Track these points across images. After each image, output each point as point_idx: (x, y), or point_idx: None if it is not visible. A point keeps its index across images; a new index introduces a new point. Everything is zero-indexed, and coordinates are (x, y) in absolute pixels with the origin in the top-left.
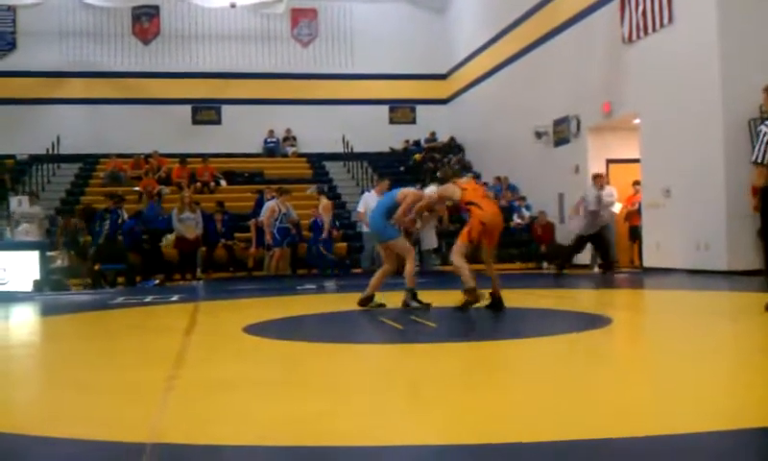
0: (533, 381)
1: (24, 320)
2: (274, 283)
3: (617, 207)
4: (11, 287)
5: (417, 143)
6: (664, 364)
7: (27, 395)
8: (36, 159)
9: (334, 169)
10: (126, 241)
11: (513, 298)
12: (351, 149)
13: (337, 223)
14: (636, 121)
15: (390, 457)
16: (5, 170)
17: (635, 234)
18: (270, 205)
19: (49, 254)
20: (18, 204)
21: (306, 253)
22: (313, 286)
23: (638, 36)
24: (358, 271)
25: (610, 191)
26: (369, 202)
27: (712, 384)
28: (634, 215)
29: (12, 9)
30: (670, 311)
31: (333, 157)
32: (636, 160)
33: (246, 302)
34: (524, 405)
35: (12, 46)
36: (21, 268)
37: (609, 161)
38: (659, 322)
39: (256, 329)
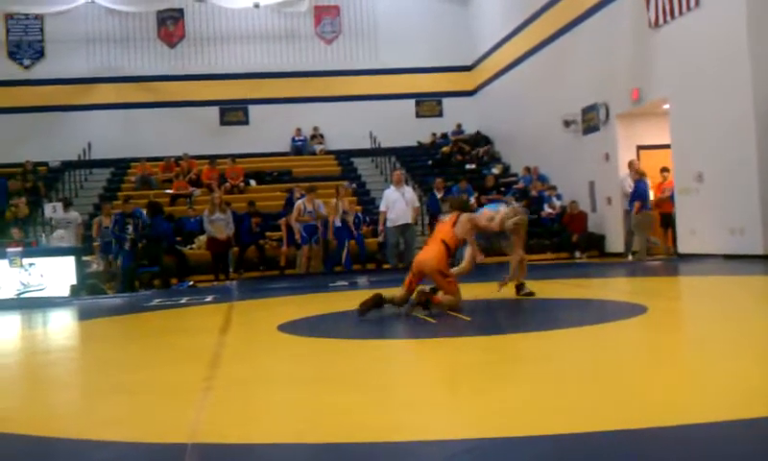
0: (569, 373)
1: (63, 325)
2: (306, 281)
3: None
4: (48, 293)
5: (444, 136)
6: (704, 352)
7: (67, 399)
8: (68, 166)
9: (362, 165)
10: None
11: (546, 288)
12: (379, 144)
13: (367, 218)
14: (666, 106)
15: (428, 452)
16: (38, 177)
17: (666, 221)
18: (297, 203)
19: (85, 258)
20: (53, 210)
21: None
22: (345, 283)
23: (665, 21)
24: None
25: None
26: (389, 197)
27: (756, 371)
28: (664, 202)
29: (39, 17)
30: (707, 298)
31: (361, 153)
32: (667, 146)
33: (279, 300)
34: (561, 397)
35: (40, 54)
36: (58, 273)
37: (639, 148)
38: (695, 309)
39: (291, 328)
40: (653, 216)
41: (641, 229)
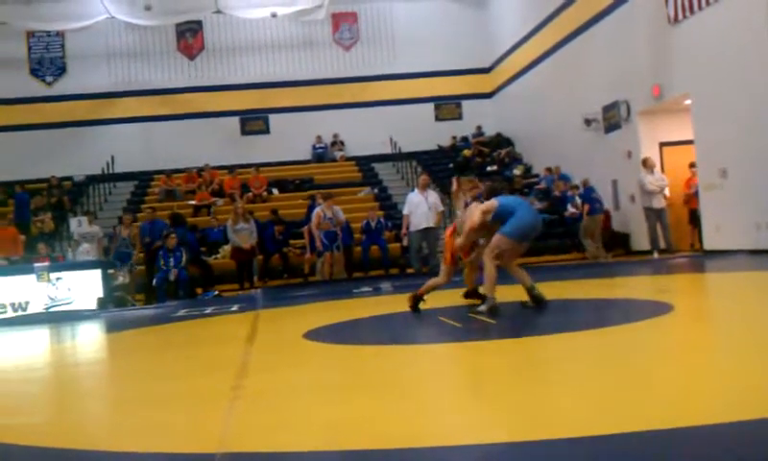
0: (594, 375)
1: (91, 337)
2: (330, 288)
3: (666, 192)
4: (76, 306)
5: (464, 139)
6: (731, 352)
7: (96, 411)
8: (92, 180)
9: (383, 170)
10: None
11: (571, 289)
12: (399, 149)
13: (389, 224)
14: (688, 102)
15: (454, 457)
16: (63, 192)
17: (695, 218)
18: (316, 210)
19: (110, 271)
20: (78, 224)
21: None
22: (369, 289)
23: (684, 16)
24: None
25: (660, 176)
26: (412, 201)
27: None
28: (692, 198)
29: (60, 34)
30: (733, 295)
31: (382, 158)
32: (690, 142)
33: (303, 308)
34: (587, 400)
35: (62, 71)
36: (85, 287)
37: (662, 145)
38: (722, 307)
39: (316, 335)
40: (598, 220)
41: (586, 233)
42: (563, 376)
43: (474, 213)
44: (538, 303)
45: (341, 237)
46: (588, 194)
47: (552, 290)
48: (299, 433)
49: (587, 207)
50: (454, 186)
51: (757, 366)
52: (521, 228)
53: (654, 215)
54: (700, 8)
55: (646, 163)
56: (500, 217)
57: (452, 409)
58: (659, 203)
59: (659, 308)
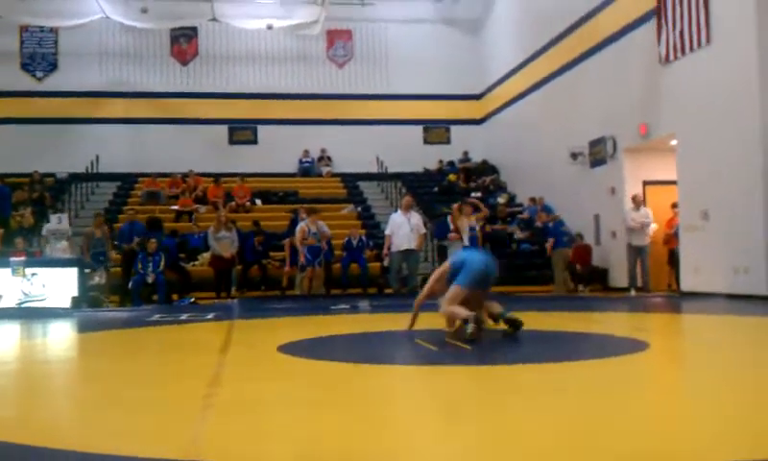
0: (563, 407)
1: (63, 336)
2: (307, 303)
3: (652, 228)
4: (50, 303)
5: (451, 163)
6: (704, 392)
7: (66, 411)
8: (75, 178)
9: (368, 189)
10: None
11: (548, 321)
12: (386, 169)
13: (371, 243)
14: (673, 142)
15: None
16: (45, 188)
17: (674, 258)
18: (300, 225)
19: (87, 271)
20: (58, 221)
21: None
22: (346, 306)
23: (675, 57)
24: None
25: (645, 212)
26: (395, 221)
27: (755, 412)
28: (672, 238)
29: (54, 30)
30: (708, 337)
31: (367, 176)
32: (674, 182)
33: (280, 321)
34: (559, 430)
35: (53, 67)
36: (60, 285)
37: (645, 183)
38: (697, 347)
39: (291, 349)
40: (563, 254)
41: (557, 266)
42: (535, 405)
43: (432, 278)
44: (512, 325)
45: (323, 253)
46: (557, 228)
47: (529, 321)
48: (270, 445)
49: (551, 242)
50: (455, 210)
51: (730, 410)
52: (473, 275)
53: (634, 252)
54: (691, 50)
55: (634, 200)
56: (456, 272)
57: (421, 431)
58: (639, 240)
59: (635, 345)
